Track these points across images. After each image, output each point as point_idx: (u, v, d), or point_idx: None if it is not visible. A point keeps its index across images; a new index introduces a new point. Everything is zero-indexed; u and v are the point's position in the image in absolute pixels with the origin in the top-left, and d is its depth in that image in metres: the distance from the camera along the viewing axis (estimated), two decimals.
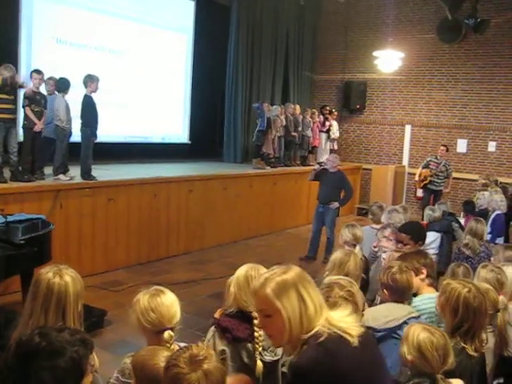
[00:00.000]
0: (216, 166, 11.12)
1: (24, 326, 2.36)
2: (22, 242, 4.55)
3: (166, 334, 2.45)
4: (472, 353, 2.79)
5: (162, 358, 2.17)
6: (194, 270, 7.98)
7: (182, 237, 8.77)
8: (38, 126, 7.07)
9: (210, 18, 11.99)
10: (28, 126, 7.04)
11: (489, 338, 3.00)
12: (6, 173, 6.91)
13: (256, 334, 2.72)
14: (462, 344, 2.78)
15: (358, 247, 4.66)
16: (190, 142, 12.23)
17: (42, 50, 8.96)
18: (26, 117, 7.05)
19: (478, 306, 2.82)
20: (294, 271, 2.03)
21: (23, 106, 7.04)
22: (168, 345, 2.43)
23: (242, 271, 2.85)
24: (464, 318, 2.80)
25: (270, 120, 11.07)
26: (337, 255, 3.63)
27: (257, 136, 11.20)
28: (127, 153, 10.42)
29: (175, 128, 11.98)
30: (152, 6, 10.93)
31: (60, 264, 2.53)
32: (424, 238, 4.95)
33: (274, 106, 11.84)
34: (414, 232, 4.78)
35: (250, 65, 12.51)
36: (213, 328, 2.80)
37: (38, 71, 7.15)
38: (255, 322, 2.72)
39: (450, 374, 2.51)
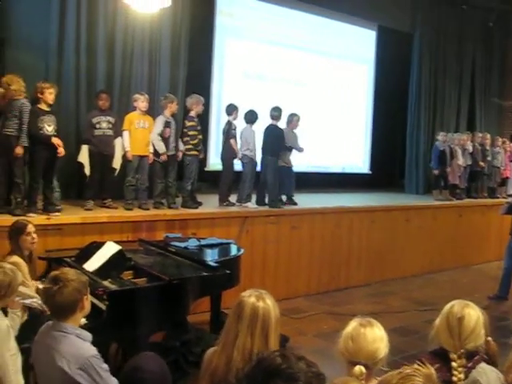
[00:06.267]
0: (397, 197, 10.88)
1: (228, 346, 2.40)
2: (217, 264, 4.76)
3: (357, 368, 2.37)
4: None
5: None
6: (375, 302, 7.75)
7: (362, 267, 8.62)
8: (239, 154, 7.58)
9: (392, 47, 11.85)
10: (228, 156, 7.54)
11: None
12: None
13: (455, 378, 2.60)
14: None
15: None
16: (370, 173, 12.12)
17: (230, 84, 9.64)
18: (228, 147, 7.53)
19: None
20: None
21: (225, 139, 7.54)
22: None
23: (450, 307, 2.77)
24: None
25: (444, 153, 10.54)
26: None
27: (436, 166, 10.75)
28: (307, 182, 10.56)
29: (355, 158, 11.98)
30: (333, 37, 11.15)
31: (259, 289, 2.56)
32: None
33: (453, 134, 11.30)
34: None
35: (433, 93, 12.15)
36: None
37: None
38: (453, 364, 2.62)
39: None
